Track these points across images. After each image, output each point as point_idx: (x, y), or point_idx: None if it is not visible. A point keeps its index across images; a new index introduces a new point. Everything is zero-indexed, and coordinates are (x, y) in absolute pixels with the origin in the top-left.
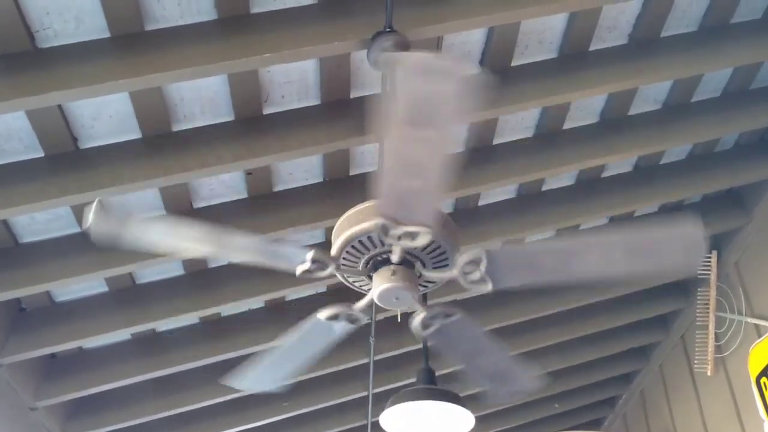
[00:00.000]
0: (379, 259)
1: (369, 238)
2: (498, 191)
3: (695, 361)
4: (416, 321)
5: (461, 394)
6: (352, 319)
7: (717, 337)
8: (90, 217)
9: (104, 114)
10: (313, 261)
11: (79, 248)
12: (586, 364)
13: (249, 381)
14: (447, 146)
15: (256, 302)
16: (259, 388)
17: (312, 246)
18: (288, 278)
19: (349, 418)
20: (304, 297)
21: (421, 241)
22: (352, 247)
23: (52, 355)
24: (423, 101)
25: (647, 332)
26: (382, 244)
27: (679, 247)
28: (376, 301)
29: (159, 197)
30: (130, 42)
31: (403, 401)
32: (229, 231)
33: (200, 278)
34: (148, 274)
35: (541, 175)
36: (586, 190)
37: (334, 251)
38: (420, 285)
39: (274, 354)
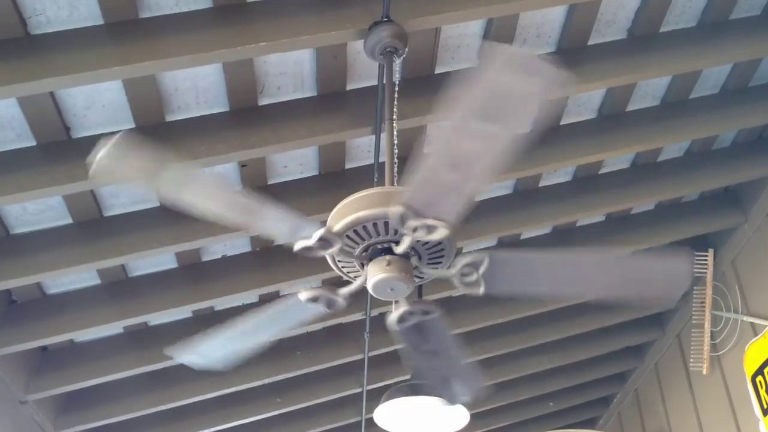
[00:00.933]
0: (378, 247)
1: (375, 224)
2: (494, 186)
3: (691, 360)
4: (395, 314)
5: None
6: (330, 303)
7: (713, 336)
8: (109, 147)
9: (97, 103)
10: (321, 239)
11: (71, 240)
12: (581, 362)
13: (197, 355)
14: (504, 147)
15: (250, 296)
16: (205, 363)
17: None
18: (282, 273)
19: (343, 414)
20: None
21: (437, 236)
22: (355, 231)
23: (43, 348)
24: (504, 96)
25: (642, 331)
26: (390, 232)
27: (667, 279)
28: (369, 289)
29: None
30: (123, 29)
31: (398, 397)
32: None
33: (194, 271)
34: (140, 266)
35: (537, 171)
36: (583, 186)
37: (320, 232)
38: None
39: (235, 328)
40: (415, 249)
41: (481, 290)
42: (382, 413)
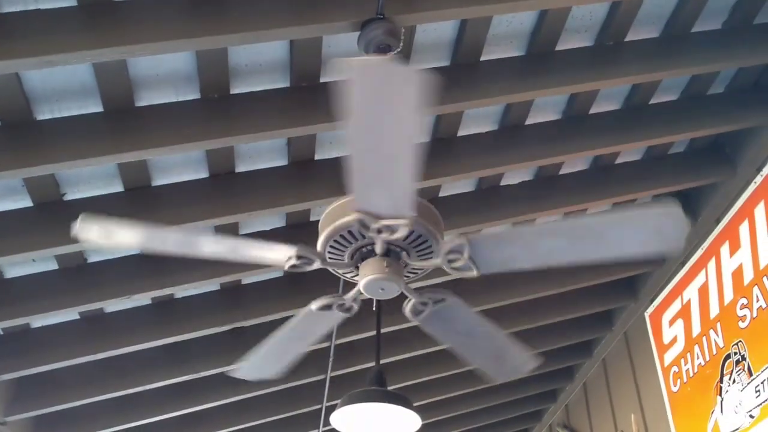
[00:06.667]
0: (365, 250)
1: (350, 232)
2: (458, 184)
3: None
4: (408, 307)
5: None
6: (344, 308)
7: None
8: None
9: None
10: (299, 257)
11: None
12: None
13: (247, 369)
14: (409, 138)
15: (210, 284)
16: (258, 375)
17: (298, 243)
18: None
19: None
20: (260, 282)
21: (401, 233)
22: (335, 241)
23: None
24: (381, 107)
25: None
26: (364, 237)
27: (659, 232)
28: (362, 291)
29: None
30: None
31: (354, 402)
32: (205, 234)
33: (153, 259)
34: (99, 253)
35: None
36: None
37: (319, 246)
38: (407, 274)
39: (271, 343)
40: (398, 246)
41: (474, 273)
42: (338, 417)
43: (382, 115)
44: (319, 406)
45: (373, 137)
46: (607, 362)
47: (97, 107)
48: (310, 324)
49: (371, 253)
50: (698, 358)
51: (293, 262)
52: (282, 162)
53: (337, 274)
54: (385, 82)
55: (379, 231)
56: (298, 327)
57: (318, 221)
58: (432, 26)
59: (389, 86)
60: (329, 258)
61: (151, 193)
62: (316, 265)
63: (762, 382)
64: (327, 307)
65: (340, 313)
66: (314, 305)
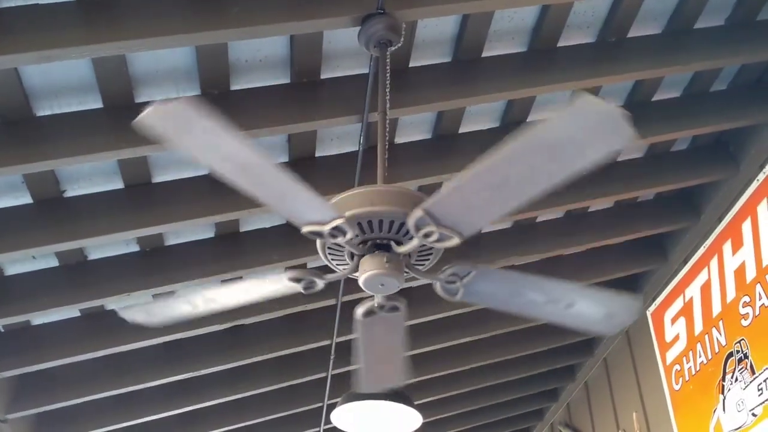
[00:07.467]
0: (377, 242)
1: (383, 221)
2: None
3: None
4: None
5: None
6: (308, 286)
7: None
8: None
9: None
10: (336, 228)
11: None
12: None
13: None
14: (550, 184)
15: (210, 282)
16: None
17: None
18: (250, 260)
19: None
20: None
21: (446, 245)
22: (360, 223)
23: None
24: (575, 141)
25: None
26: (398, 231)
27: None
28: (360, 281)
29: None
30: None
31: (355, 400)
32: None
33: (155, 256)
34: (99, 250)
35: None
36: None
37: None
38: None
39: (199, 291)
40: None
41: (458, 297)
42: (339, 415)
43: (559, 149)
44: (320, 404)
45: (528, 160)
46: (609, 361)
47: (96, 103)
48: (260, 286)
49: (379, 247)
50: (700, 357)
51: (322, 229)
52: (283, 158)
53: (322, 252)
54: (598, 128)
55: (426, 236)
56: (250, 285)
57: None
58: (433, 21)
59: (597, 134)
60: (329, 255)
61: (151, 189)
62: (338, 240)
63: (765, 381)
64: (297, 280)
65: (298, 287)
66: (288, 274)
